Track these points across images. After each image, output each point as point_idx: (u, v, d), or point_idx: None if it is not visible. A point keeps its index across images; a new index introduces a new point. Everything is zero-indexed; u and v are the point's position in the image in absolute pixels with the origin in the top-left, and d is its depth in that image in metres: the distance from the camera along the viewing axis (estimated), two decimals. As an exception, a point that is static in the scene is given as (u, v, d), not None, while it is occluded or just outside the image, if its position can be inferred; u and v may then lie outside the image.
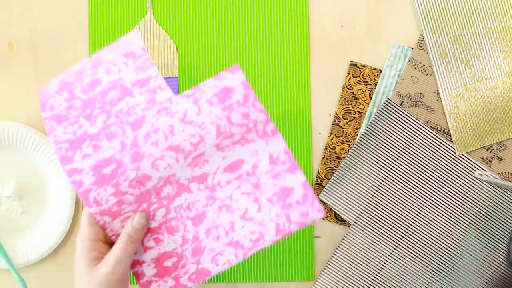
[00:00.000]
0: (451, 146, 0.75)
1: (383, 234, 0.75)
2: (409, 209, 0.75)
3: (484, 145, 0.76)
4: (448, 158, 0.75)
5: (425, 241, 0.75)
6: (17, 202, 0.74)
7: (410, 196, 0.75)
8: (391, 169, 0.75)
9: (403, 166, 0.75)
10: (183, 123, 0.60)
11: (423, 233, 0.75)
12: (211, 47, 0.77)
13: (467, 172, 0.75)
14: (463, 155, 0.75)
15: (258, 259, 0.76)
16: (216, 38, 0.77)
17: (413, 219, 0.75)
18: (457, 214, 0.75)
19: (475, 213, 0.75)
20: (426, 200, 0.75)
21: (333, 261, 0.75)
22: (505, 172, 0.76)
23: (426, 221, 0.75)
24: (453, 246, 0.75)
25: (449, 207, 0.75)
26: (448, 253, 0.75)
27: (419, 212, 0.75)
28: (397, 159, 0.75)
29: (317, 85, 0.77)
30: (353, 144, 0.76)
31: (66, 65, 0.75)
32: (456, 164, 0.75)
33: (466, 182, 0.75)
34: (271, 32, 0.77)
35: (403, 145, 0.75)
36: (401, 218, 0.75)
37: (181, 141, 0.60)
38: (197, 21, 0.77)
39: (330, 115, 0.77)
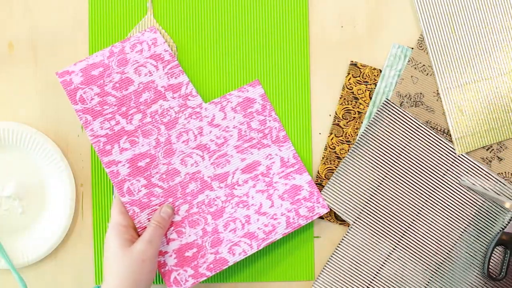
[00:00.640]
0: (450, 146, 0.75)
1: (382, 234, 0.75)
2: (408, 209, 0.75)
3: (484, 145, 0.76)
4: (447, 158, 0.75)
5: (424, 241, 0.75)
6: (17, 202, 0.74)
7: (410, 196, 0.75)
8: (391, 169, 0.75)
9: (403, 166, 0.75)
10: (211, 126, 0.73)
11: (423, 233, 0.75)
12: (211, 46, 0.77)
13: (467, 172, 0.75)
14: (463, 155, 0.75)
15: (258, 259, 0.76)
16: (216, 38, 0.77)
17: (413, 220, 0.75)
18: (457, 215, 0.75)
19: (475, 213, 0.75)
20: (426, 201, 0.75)
21: (332, 261, 0.75)
22: (505, 172, 0.76)
23: (426, 221, 0.75)
24: (452, 247, 0.75)
25: (448, 207, 0.75)
26: (447, 254, 0.75)
27: (418, 213, 0.75)
28: (397, 159, 0.75)
29: (317, 85, 0.77)
30: (353, 144, 0.76)
31: (66, 65, 0.75)
32: (456, 164, 0.75)
33: (464, 184, 0.75)
34: (271, 32, 0.77)
35: (402, 145, 0.75)
36: (400, 218, 0.75)
37: (208, 141, 0.72)
38: (197, 21, 0.77)
39: (330, 115, 0.77)
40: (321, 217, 0.76)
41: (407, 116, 0.75)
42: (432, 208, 0.75)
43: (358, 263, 0.75)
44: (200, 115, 0.72)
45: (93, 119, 0.71)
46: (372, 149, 0.75)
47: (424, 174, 0.75)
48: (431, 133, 0.75)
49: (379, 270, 0.75)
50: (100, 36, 0.76)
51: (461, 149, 0.75)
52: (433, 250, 0.75)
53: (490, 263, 0.74)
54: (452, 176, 0.75)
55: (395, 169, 0.75)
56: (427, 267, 0.75)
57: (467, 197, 0.75)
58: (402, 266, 0.75)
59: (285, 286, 0.76)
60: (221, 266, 0.71)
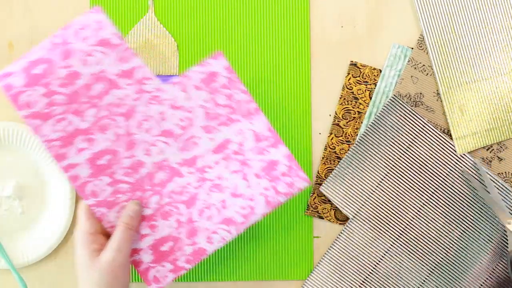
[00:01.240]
0: (453, 146, 0.75)
1: (381, 230, 0.75)
2: (409, 206, 0.75)
3: (484, 145, 0.76)
4: (451, 158, 0.75)
5: (423, 239, 0.75)
6: (17, 202, 0.74)
7: (411, 193, 0.75)
8: (394, 165, 0.75)
9: (406, 164, 0.75)
10: (173, 109, 0.65)
11: (422, 231, 0.75)
12: (211, 45, 0.77)
13: (470, 173, 0.75)
14: (465, 155, 0.75)
15: (258, 258, 0.76)
16: (217, 36, 0.77)
17: (413, 217, 0.75)
18: (457, 215, 0.75)
19: (476, 214, 0.75)
20: (427, 199, 0.75)
21: (329, 254, 0.75)
22: (505, 172, 0.76)
23: (426, 219, 0.75)
24: (451, 247, 0.75)
25: (449, 207, 0.75)
26: (445, 253, 0.75)
27: (419, 210, 0.75)
28: (400, 156, 0.75)
29: (317, 85, 0.77)
30: (353, 144, 0.76)
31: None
32: (459, 164, 0.75)
33: (468, 182, 0.75)
34: (272, 32, 0.77)
35: (407, 142, 0.75)
36: (400, 215, 0.75)
37: (172, 126, 0.66)
38: (198, 19, 0.77)
39: (330, 115, 0.77)
40: (321, 217, 0.76)
41: (413, 114, 0.75)
42: (433, 207, 0.75)
43: (356, 257, 0.75)
44: (159, 99, 0.65)
45: (42, 123, 0.63)
46: (376, 145, 0.75)
47: (427, 173, 0.75)
48: (435, 132, 0.75)
49: (376, 266, 0.75)
50: (100, 36, 0.76)
51: (461, 149, 0.75)
52: (431, 249, 0.75)
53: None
54: (454, 176, 0.75)
55: (398, 165, 0.75)
56: (424, 266, 0.75)
57: (468, 197, 0.75)
58: (399, 263, 0.75)
59: (285, 285, 0.76)
60: (200, 256, 0.67)
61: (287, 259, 0.76)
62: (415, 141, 0.75)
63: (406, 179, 0.75)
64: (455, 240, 0.75)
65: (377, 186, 0.75)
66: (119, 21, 0.76)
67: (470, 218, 0.75)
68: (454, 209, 0.75)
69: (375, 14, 0.77)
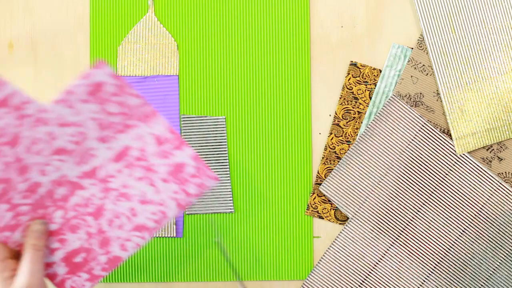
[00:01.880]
0: (453, 146, 0.75)
1: (381, 229, 0.75)
2: (408, 206, 0.75)
3: (484, 145, 0.76)
4: (451, 158, 0.75)
5: (422, 240, 0.75)
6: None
7: (411, 193, 0.75)
8: (393, 165, 0.75)
9: (405, 164, 0.75)
10: (61, 127, 0.60)
11: (421, 231, 0.75)
12: (212, 45, 0.77)
13: (469, 173, 0.75)
14: (465, 155, 0.75)
15: (258, 258, 0.76)
16: (217, 36, 0.77)
17: (412, 217, 0.75)
18: (457, 215, 0.75)
19: (475, 214, 0.75)
20: (426, 199, 0.75)
21: (329, 253, 0.75)
22: (505, 172, 0.76)
23: (425, 219, 0.75)
24: (451, 247, 0.75)
25: (449, 207, 0.75)
26: (445, 254, 0.75)
27: (418, 210, 0.75)
28: (400, 156, 0.75)
29: (317, 85, 0.77)
30: (353, 143, 0.76)
31: (66, 65, 0.75)
32: (458, 164, 0.75)
33: (468, 183, 0.75)
34: (272, 32, 0.77)
35: (406, 142, 0.75)
36: (400, 214, 0.75)
37: (64, 143, 0.61)
38: (198, 19, 0.77)
39: (330, 115, 0.77)
40: (321, 217, 0.76)
41: (413, 114, 0.75)
42: (432, 207, 0.75)
43: (355, 257, 0.75)
44: (44, 120, 0.59)
45: None
46: (376, 144, 0.75)
47: (426, 173, 0.75)
48: (435, 131, 0.75)
49: (375, 266, 0.75)
50: (101, 35, 0.76)
51: (461, 149, 0.75)
52: (431, 249, 0.75)
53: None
54: (454, 176, 0.75)
55: (398, 165, 0.75)
56: (424, 266, 0.75)
57: (468, 197, 0.75)
58: (399, 263, 0.75)
59: (285, 285, 0.76)
60: (116, 263, 0.66)
61: (287, 259, 0.76)
62: (414, 141, 0.75)
63: (406, 179, 0.75)
64: (455, 240, 0.75)
65: (376, 186, 0.75)
66: (119, 21, 0.76)
67: (470, 218, 0.75)
68: (454, 209, 0.75)
69: (375, 14, 0.77)
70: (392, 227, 0.75)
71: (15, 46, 0.76)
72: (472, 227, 0.75)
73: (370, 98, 0.76)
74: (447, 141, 0.75)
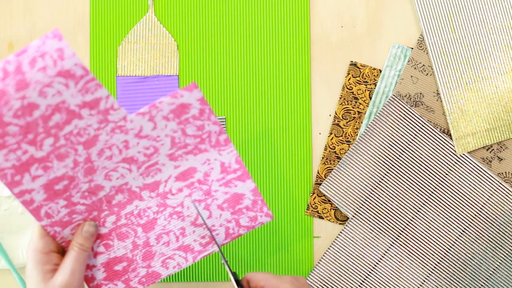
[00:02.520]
0: (453, 146, 0.75)
1: (380, 229, 0.75)
2: (408, 206, 0.75)
3: (484, 145, 0.76)
4: (450, 158, 0.75)
5: (422, 240, 0.75)
6: (17, 202, 0.74)
7: (411, 193, 0.75)
8: (393, 165, 0.75)
9: (405, 164, 0.75)
10: (138, 138, 0.62)
11: (421, 231, 0.75)
12: (212, 45, 0.77)
13: (469, 173, 0.75)
14: (465, 155, 0.75)
15: (258, 258, 0.76)
16: (217, 36, 0.77)
17: (412, 217, 0.75)
18: (457, 215, 0.75)
19: (475, 214, 0.75)
20: (426, 199, 0.75)
21: (329, 253, 0.75)
22: (505, 172, 0.76)
23: (425, 219, 0.75)
24: (451, 247, 0.75)
25: (449, 207, 0.75)
26: (445, 253, 0.75)
27: (418, 210, 0.75)
28: (400, 156, 0.75)
29: (317, 85, 0.77)
30: (353, 144, 0.76)
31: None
32: (458, 164, 0.75)
33: (468, 183, 0.75)
34: (272, 32, 0.77)
35: (406, 142, 0.75)
36: (400, 215, 0.75)
37: (135, 153, 0.63)
38: (198, 19, 0.77)
39: (330, 115, 0.77)
40: (321, 217, 0.76)
41: (413, 114, 0.75)
42: (432, 207, 0.75)
43: (355, 257, 0.75)
44: (124, 129, 0.62)
45: None
46: (376, 144, 0.75)
47: (426, 173, 0.75)
48: (435, 131, 0.75)
49: (375, 266, 0.75)
50: (101, 35, 0.76)
51: (461, 149, 0.75)
52: (431, 249, 0.75)
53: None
54: (454, 176, 0.75)
55: (397, 165, 0.75)
56: (424, 266, 0.75)
57: (468, 197, 0.75)
58: (399, 263, 0.75)
59: (285, 286, 0.76)
60: (154, 279, 0.66)
61: (287, 259, 0.76)
62: (414, 141, 0.75)
63: (406, 179, 0.75)
64: (455, 240, 0.75)
65: (376, 186, 0.75)
66: (119, 21, 0.76)
67: (470, 218, 0.75)
68: (454, 209, 0.75)
69: (375, 14, 0.77)
70: (392, 227, 0.75)
71: (15, 46, 0.76)
72: (472, 227, 0.75)
73: (370, 98, 0.76)
74: (447, 141, 0.75)
